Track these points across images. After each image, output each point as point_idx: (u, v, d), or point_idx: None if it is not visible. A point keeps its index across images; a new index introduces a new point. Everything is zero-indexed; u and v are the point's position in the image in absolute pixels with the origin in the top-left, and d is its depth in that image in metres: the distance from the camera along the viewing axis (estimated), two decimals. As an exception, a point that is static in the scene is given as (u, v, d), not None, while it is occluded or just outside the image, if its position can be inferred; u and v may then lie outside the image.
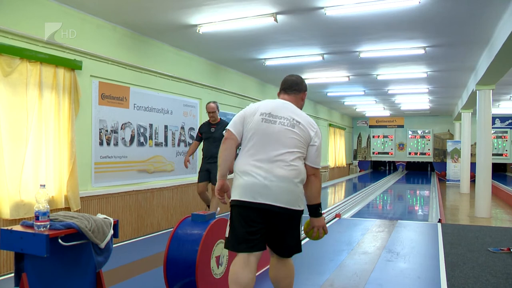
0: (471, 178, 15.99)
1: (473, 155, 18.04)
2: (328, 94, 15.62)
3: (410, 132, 25.99)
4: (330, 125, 21.08)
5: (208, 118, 7.26)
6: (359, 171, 26.10)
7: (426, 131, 25.70)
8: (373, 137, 26.78)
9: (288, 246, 3.12)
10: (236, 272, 3.00)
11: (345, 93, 15.61)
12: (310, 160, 3.15)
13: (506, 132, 23.46)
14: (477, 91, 10.63)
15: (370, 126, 26.74)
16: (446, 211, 10.97)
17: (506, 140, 23.50)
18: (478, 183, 10.45)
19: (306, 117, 3.22)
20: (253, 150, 3.11)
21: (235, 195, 3.10)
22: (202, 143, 7.39)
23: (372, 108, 21.08)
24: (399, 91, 14.83)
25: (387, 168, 27.40)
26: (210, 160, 7.12)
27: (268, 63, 9.91)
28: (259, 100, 12.35)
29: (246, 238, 3.04)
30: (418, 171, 26.17)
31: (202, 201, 7.48)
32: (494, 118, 22.72)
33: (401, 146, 26.21)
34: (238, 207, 3.09)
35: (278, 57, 9.54)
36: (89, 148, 6.53)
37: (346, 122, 25.38)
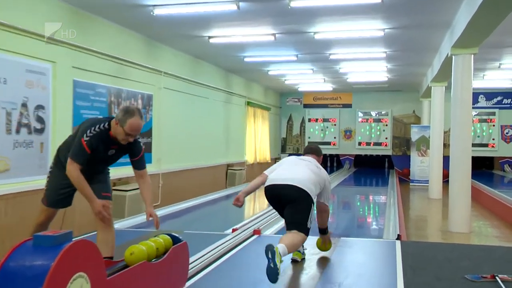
0: (444, 178, 16.43)
1: (447, 145, 18.59)
2: (246, 59, 15.68)
3: (360, 114, 26.57)
4: (248, 103, 21.25)
5: (113, 134, 5.83)
6: None
7: (383, 112, 26.33)
8: (309, 120, 27.23)
9: (294, 221, 5.96)
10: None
11: (270, 58, 15.73)
12: (324, 198, 6.48)
13: (494, 113, 24.32)
14: (453, 56, 10.99)
15: (305, 106, 27.19)
16: (409, 224, 11.29)
17: (494, 125, 24.28)
18: (453, 184, 10.83)
19: (324, 172, 6.54)
20: (284, 167, 6.44)
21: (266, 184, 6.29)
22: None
23: (308, 80, 21.39)
24: (346, 56, 15.10)
25: (329, 164, 27.88)
26: (86, 177, 5.87)
27: (157, 11, 9.77)
28: (145, 67, 12.23)
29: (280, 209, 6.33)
30: (371, 168, 26.76)
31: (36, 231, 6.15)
32: (476, 95, 23.63)
33: (348, 134, 26.84)
34: (268, 190, 6.20)
35: (172, 3, 9.41)
36: None
37: (271, 99, 25.75)
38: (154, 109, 12.91)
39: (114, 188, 10.79)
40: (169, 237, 5.43)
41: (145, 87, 12.50)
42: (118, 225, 9.50)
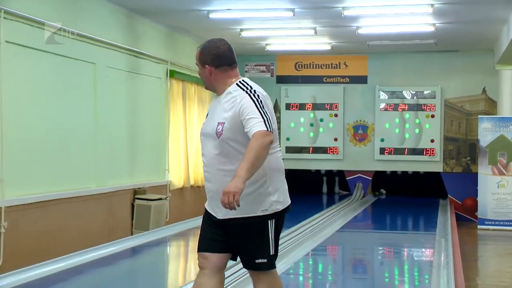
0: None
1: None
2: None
3: (383, 96, 16.33)
4: (172, 74, 12.99)
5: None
6: None
7: (426, 92, 16.17)
8: (288, 107, 17.07)
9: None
10: None
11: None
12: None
13: None
14: None
15: (280, 79, 16.38)
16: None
17: None
18: None
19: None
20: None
21: (285, 200, 4.32)
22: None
23: (286, 29, 13.10)
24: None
25: (325, 189, 18.34)
26: None
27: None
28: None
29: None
30: (403, 197, 17.48)
31: None
32: None
33: (361, 132, 17.32)
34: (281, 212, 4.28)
35: None
36: None
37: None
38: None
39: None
40: None
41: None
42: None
